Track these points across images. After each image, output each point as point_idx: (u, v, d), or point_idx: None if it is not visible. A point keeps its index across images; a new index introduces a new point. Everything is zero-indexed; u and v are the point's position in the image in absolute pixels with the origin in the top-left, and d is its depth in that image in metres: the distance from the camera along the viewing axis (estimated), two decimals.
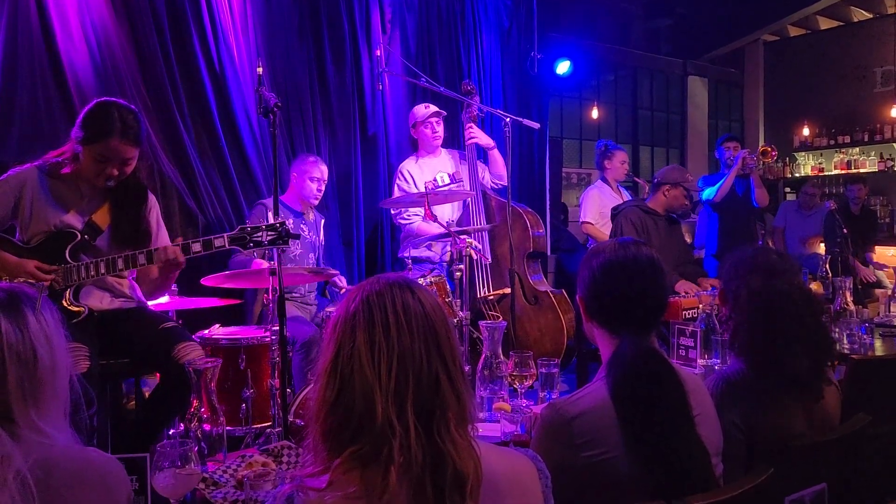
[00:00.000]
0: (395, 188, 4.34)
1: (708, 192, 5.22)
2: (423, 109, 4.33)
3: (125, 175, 2.62)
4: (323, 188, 4.00)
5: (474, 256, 4.10)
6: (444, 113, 4.39)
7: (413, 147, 4.46)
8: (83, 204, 2.66)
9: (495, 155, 4.44)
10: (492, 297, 4.22)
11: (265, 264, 3.27)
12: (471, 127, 4.35)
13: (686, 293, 3.87)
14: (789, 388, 1.86)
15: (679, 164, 9.43)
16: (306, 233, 3.94)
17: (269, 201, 3.82)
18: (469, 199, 4.27)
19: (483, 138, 4.41)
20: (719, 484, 1.56)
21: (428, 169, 4.33)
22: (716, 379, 1.94)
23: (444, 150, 4.45)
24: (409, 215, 4.26)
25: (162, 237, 2.82)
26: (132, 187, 2.71)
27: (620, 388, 1.52)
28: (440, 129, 4.35)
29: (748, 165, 5.04)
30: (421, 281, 3.34)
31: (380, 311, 1.14)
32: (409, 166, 4.34)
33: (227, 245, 2.58)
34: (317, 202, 4.03)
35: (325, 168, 4.00)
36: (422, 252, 4.23)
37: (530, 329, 4.24)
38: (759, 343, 1.87)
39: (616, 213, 4.34)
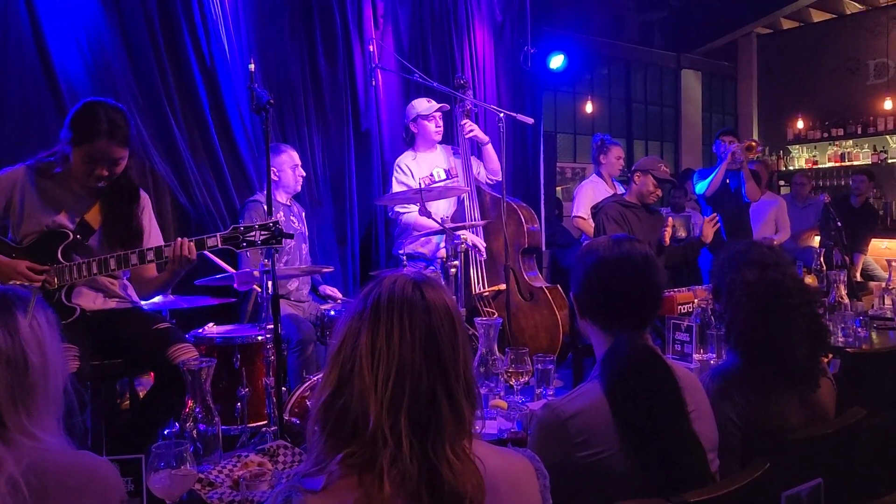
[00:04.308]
0: (394, 181, 4.32)
1: (700, 186, 5.24)
2: (426, 104, 4.30)
3: (115, 175, 2.60)
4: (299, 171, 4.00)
5: (475, 246, 4.09)
6: (447, 107, 4.37)
7: (408, 142, 4.44)
8: (75, 204, 2.63)
9: (489, 150, 4.43)
10: (487, 294, 4.22)
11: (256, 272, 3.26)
12: (466, 122, 4.33)
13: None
14: (785, 379, 1.86)
15: (673, 157, 9.46)
16: (296, 224, 3.94)
17: (261, 196, 3.83)
18: (464, 194, 4.26)
19: (480, 133, 4.40)
20: (715, 479, 1.56)
21: (425, 164, 4.32)
22: (711, 373, 1.94)
23: (439, 146, 4.44)
24: (403, 206, 4.24)
25: (154, 236, 2.80)
26: (124, 186, 2.68)
27: (615, 387, 1.52)
28: (442, 124, 4.35)
29: (737, 160, 5.05)
30: None
31: (386, 316, 1.13)
32: (407, 161, 4.32)
33: (219, 245, 2.57)
34: (299, 188, 4.02)
35: (290, 151, 4.00)
36: (416, 249, 4.22)
37: (526, 325, 4.24)
38: (756, 334, 1.86)
39: (596, 210, 4.36)
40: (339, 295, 3.99)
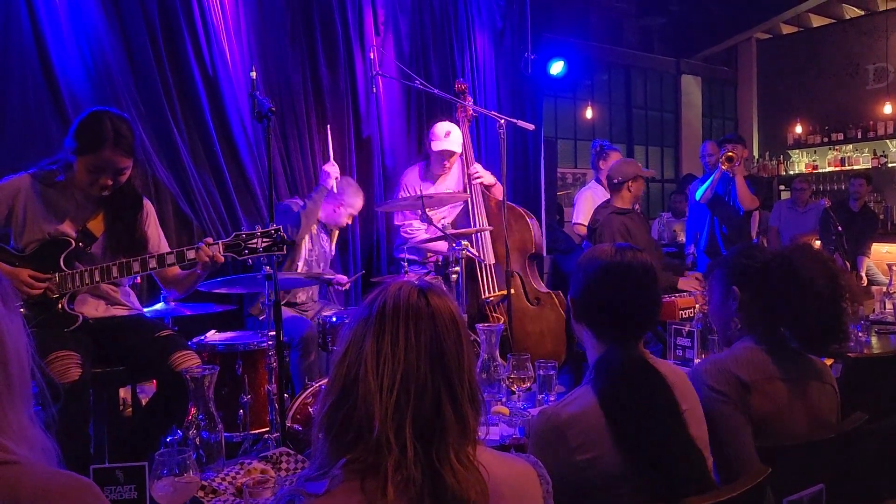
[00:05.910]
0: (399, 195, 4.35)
1: (697, 193, 5.26)
2: (443, 146, 4.20)
3: (119, 184, 2.61)
4: (352, 218, 4.05)
5: (476, 252, 4.09)
6: (459, 151, 4.29)
7: (423, 156, 4.50)
8: (77, 212, 2.64)
9: (495, 191, 4.39)
10: (492, 299, 4.21)
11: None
12: (476, 168, 4.32)
13: (689, 292, 3.93)
14: (826, 339, 1.89)
15: (674, 162, 9.48)
16: (324, 241, 3.98)
17: (291, 202, 3.82)
18: (470, 200, 4.26)
19: (487, 178, 4.37)
20: (714, 482, 1.56)
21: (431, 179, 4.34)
22: (713, 359, 1.94)
23: None
24: (412, 230, 4.24)
25: (161, 243, 2.81)
26: (128, 195, 2.69)
27: (608, 397, 1.52)
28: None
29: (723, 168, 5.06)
30: None
31: (391, 323, 1.13)
32: (413, 181, 4.30)
33: (221, 252, 2.58)
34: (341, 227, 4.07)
35: (361, 201, 4.02)
36: (417, 254, 4.23)
37: (531, 330, 4.23)
38: (791, 306, 1.86)
39: (593, 227, 4.30)
40: (346, 279, 3.99)
